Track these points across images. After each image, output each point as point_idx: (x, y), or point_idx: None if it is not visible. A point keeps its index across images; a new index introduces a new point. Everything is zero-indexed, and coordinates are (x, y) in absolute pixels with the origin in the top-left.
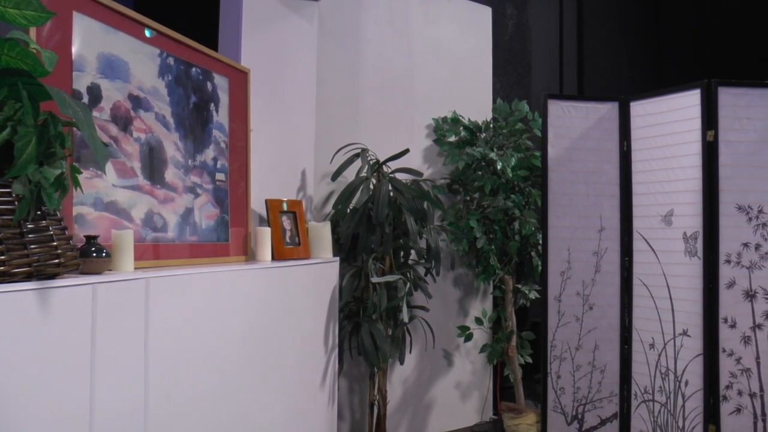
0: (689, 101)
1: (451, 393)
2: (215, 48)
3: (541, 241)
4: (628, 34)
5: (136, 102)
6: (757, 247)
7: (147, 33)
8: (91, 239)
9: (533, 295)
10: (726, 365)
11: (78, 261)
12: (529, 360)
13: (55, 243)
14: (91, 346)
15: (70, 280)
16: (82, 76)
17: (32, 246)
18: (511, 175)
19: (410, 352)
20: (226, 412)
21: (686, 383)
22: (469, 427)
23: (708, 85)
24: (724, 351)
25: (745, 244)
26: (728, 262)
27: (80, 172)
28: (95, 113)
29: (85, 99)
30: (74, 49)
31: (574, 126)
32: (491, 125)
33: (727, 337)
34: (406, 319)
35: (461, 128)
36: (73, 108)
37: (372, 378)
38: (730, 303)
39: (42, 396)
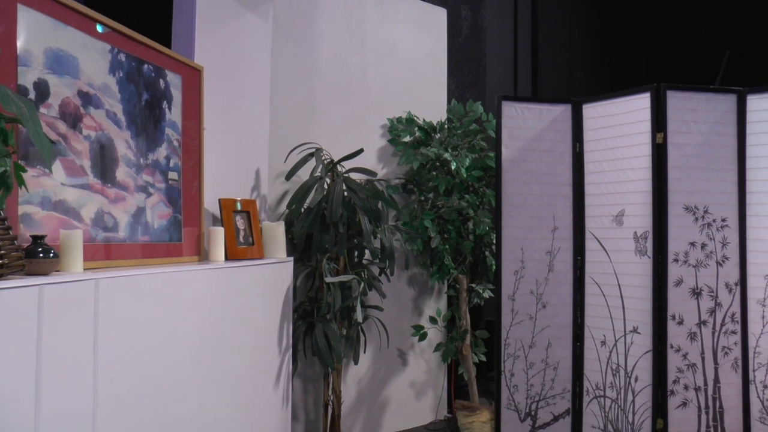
0: (639, 104)
1: (406, 392)
2: (168, 45)
3: (495, 241)
4: (581, 37)
5: (86, 99)
6: (703, 246)
7: (99, 28)
8: (37, 239)
9: (487, 294)
10: (673, 361)
11: (23, 262)
12: (483, 358)
13: None
14: (37, 348)
15: (14, 282)
16: (28, 71)
17: None
18: (465, 175)
19: (365, 352)
20: (178, 413)
21: (636, 379)
22: (424, 426)
23: (657, 89)
24: (671, 347)
25: (692, 244)
26: (676, 261)
27: (25, 170)
28: (42, 110)
29: (32, 95)
30: (19, 43)
31: (528, 127)
32: (446, 126)
33: (675, 334)
34: (360, 319)
35: (416, 128)
36: (16, 104)
37: (326, 378)
38: (677, 300)
39: None
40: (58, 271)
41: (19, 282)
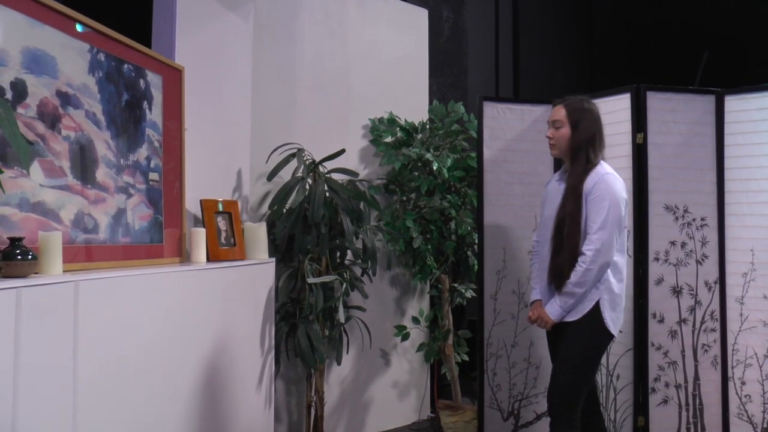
0: (620, 105)
1: (389, 392)
2: (148, 45)
3: (477, 241)
4: (562, 38)
5: (65, 99)
6: (683, 245)
7: (78, 27)
8: (15, 241)
9: (469, 293)
10: (654, 359)
11: (0, 264)
12: (466, 358)
13: None
14: (15, 351)
15: None
16: (5, 71)
17: None
18: (447, 175)
19: (347, 353)
20: (159, 416)
21: (618, 377)
22: (407, 426)
23: (637, 90)
24: (652, 345)
25: (672, 242)
26: (657, 259)
27: (2, 171)
28: (20, 110)
29: (9, 95)
30: None
31: (509, 128)
32: (427, 126)
33: (656, 332)
34: (342, 320)
35: (397, 129)
36: None
37: (309, 379)
38: (658, 299)
39: None
40: (36, 273)
41: None
